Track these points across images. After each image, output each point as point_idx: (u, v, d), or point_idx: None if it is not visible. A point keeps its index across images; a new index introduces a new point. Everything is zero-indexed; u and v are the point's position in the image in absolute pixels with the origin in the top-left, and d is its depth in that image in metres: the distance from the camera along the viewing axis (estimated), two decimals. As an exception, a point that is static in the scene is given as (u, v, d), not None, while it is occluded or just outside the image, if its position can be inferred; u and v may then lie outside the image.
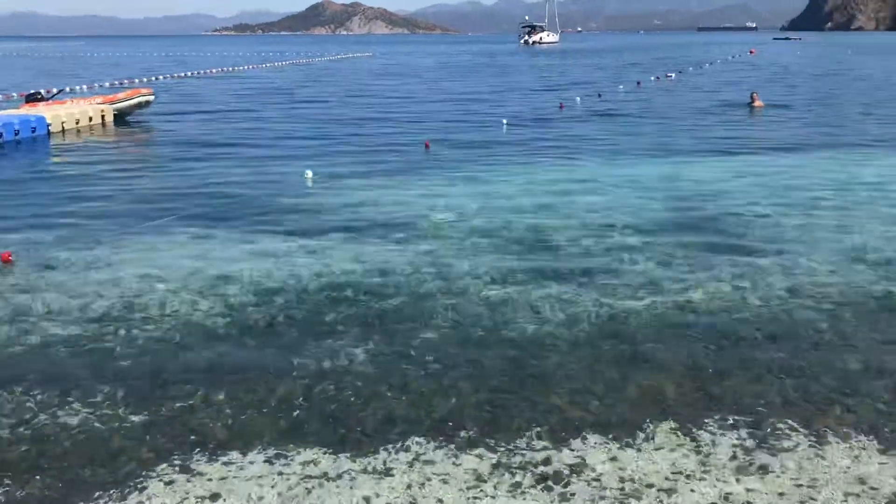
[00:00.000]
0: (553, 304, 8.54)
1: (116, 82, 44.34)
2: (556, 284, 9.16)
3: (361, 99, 36.32)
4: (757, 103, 29.40)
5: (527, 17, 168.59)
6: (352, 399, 6.37)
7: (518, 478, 5.22)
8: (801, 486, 5.12)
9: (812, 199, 13.60)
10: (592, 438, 5.75)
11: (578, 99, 33.90)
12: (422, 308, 8.43)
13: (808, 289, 8.92)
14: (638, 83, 43.71)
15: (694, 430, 5.85)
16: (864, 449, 5.56)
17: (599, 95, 36.10)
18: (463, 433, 5.84)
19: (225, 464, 5.43)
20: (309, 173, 16.21)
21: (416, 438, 5.74)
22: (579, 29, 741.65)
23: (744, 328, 7.83)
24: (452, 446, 5.64)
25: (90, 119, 25.45)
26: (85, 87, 39.57)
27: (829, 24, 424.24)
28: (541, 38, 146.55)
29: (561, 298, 8.70)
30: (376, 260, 10.24)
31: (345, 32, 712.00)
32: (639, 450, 5.61)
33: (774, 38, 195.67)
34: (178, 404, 6.30)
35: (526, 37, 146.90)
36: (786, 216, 12.39)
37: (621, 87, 41.28)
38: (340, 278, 9.50)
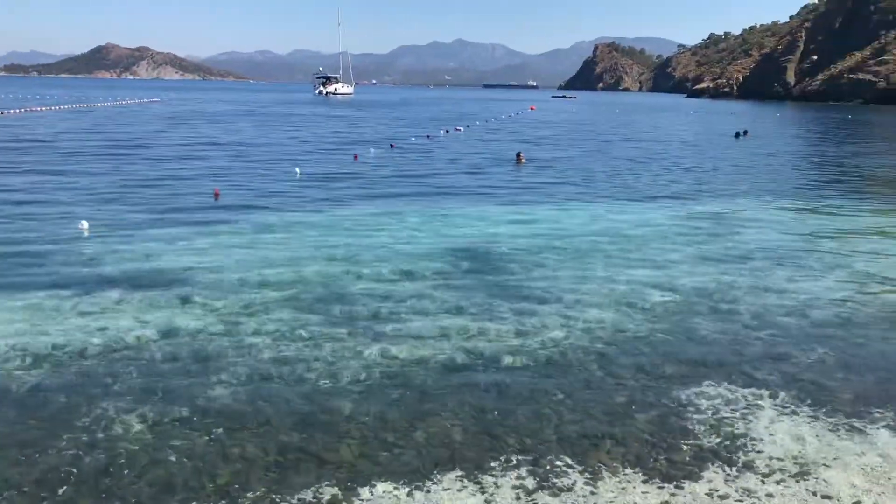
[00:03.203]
0: (345, 356, 8.54)
1: None
2: (348, 336, 9.18)
3: (149, 148, 34.59)
4: (521, 159, 31.04)
5: (321, 69, 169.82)
6: (126, 470, 5.97)
7: (306, 537, 5.12)
8: (575, 519, 5.43)
9: (582, 246, 14.65)
10: (381, 488, 5.79)
11: (372, 150, 34.49)
12: (207, 368, 8.11)
13: (580, 331, 9.57)
14: (428, 136, 45.25)
15: (479, 473, 6.05)
16: (629, 481, 6.02)
17: (392, 146, 36.96)
18: (249, 495, 5.67)
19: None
20: (84, 224, 15.19)
21: (198, 505, 5.49)
22: (374, 81, 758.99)
23: (524, 370, 8.24)
24: (237, 510, 5.45)
25: None
26: None
27: (601, 85, 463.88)
28: (336, 89, 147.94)
29: (352, 350, 8.72)
30: (159, 317, 9.73)
31: (131, 77, 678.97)
32: (427, 493, 5.71)
33: (553, 96, 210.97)
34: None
35: (321, 87, 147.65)
36: (559, 263, 13.25)
37: (413, 138, 42.53)
38: (118, 338, 8.94)
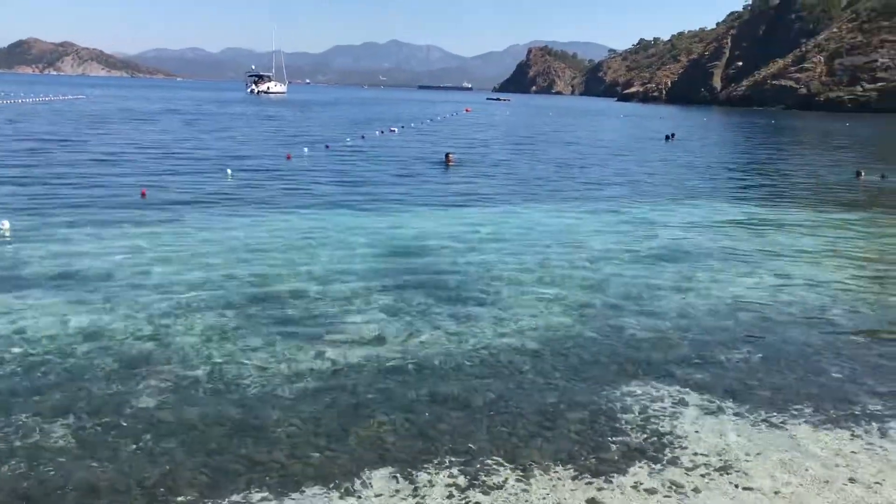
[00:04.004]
0: (277, 359, 8.45)
1: None
2: (279, 339, 9.08)
3: (74, 146, 33.50)
4: (450, 160, 31.13)
5: (254, 67, 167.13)
6: (48, 477, 5.80)
7: (235, 542, 5.06)
8: (506, 517, 5.50)
9: (513, 248, 14.81)
10: (311, 490, 5.77)
11: (306, 149, 34.17)
12: (133, 372, 7.92)
13: (513, 332, 9.68)
14: (363, 136, 45.08)
15: (411, 474, 6.07)
16: (559, 478, 6.13)
17: (327, 146, 36.69)
18: (178, 499, 5.57)
19: None
20: (6, 224, 14.65)
21: (124, 512, 5.37)
22: (307, 81, 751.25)
23: (457, 372, 8.29)
24: (165, 516, 5.34)
25: None
26: None
27: (534, 88, 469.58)
28: (268, 88, 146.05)
29: (284, 353, 8.64)
30: (82, 320, 9.46)
31: (55, 73, 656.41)
32: (358, 497, 5.71)
33: (488, 99, 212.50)
34: None
35: (253, 86, 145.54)
36: (491, 264, 13.36)
37: (347, 139, 42.31)
38: (39, 342, 8.66)
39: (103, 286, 11.02)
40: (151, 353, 8.50)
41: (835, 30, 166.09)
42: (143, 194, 19.48)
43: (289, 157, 30.93)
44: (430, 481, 5.96)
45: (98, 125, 47.25)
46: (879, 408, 7.76)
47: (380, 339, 9.22)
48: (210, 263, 12.62)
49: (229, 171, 25.21)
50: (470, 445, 6.60)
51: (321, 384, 7.82)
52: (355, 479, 5.97)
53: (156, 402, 7.22)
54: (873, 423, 7.37)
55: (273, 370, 8.14)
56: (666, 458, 6.52)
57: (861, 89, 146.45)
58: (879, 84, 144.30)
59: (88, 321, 9.45)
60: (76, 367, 8.01)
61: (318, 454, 6.34)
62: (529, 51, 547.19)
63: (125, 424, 6.74)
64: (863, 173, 30.82)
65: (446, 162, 31.05)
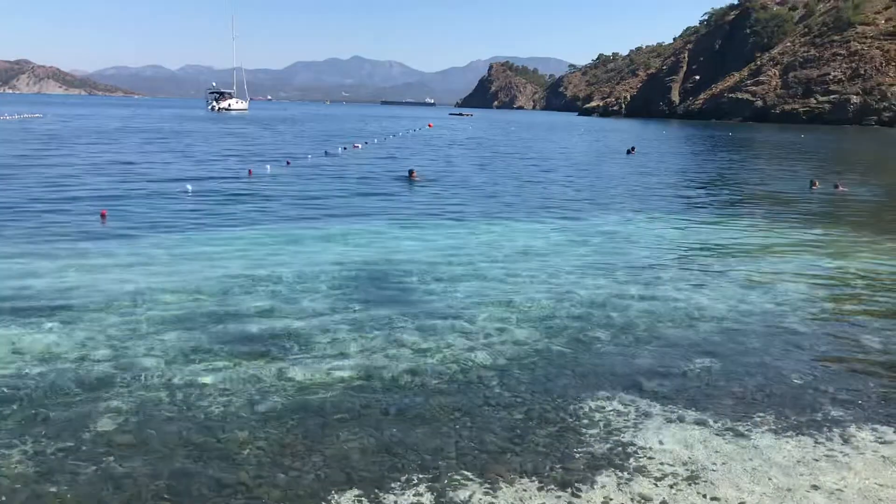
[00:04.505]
0: (239, 379, 8.34)
1: None
2: (243, 359, 8.97)
3: (31, 166, 32.86)
4: (414, 176, 31.20)
5: (214, 84, 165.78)
6: (4, 502, 5.65)
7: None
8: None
9: (478, 262, 14.85)
10: (279, 514, 5.68)
11: (268, 167, 33.93)
12: (93, 395, 7.76)
13: (480, 347, 9.69)
14: (326, 152, 44.94)
15: (378, 493, 6.03)
16: (525, 490, 6.13)
17: (288, 163, 36.49)
18: (140, 526, 5.45)
19: None
20: (-41, 248, 14.32)
21: (85, 540, 5.24)
22: (269, 97, 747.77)
23: (424, 388, 8.27)
24: (127, 543, 5.22)
25: None
26: None
27: (496, 103, 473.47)
28: (229, 105, 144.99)
29: (247, 373, 8.53)
30: (39, 344, 9.25)
31: (10, 91, 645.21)
32: (326, 519, 5.64)
33: (450, 114, 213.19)
34: None
35: (214, 103, 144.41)
36: (457, 279, 13.37)
37: (310, 156, 42.12)
38: (-4, 367, 8.44)
39: (60, 308, 10.80)
40: (111, 375, 8.34)
41: (788, 44, 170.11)
42: (102, 215, 19.17)
43: (250, 173, 30.72)
44: (395, 501, 5.92)
45: (55, 145, 46.46)
46: (841, 414, 7.89)
47: (345, 356, 9.16)
48: (171, 283, 12.44)
49: (189, 187, 24.95)
50: (437, 462, 6.57)
51: (286, 403, 7.74)
52: (321, 501, 5.90)
53: (116, 425, 7.08)
54: (835, 430, 7.49)
55: (237, 390, 8.03)
56: (632, 468, 6.56)
57: (815, 101, 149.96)
58: (832, 97, 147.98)
59: (45, 345, 9.25)
60: (33, 392, 7.82)
61: (283, 475, 6.26)
62: (491, 66, 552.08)
63: (85, 448, 6.60)
64: (817, 183, 31.50)
65: (410, 177, 31.08)
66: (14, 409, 7.38)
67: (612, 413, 7.74)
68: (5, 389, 7.85)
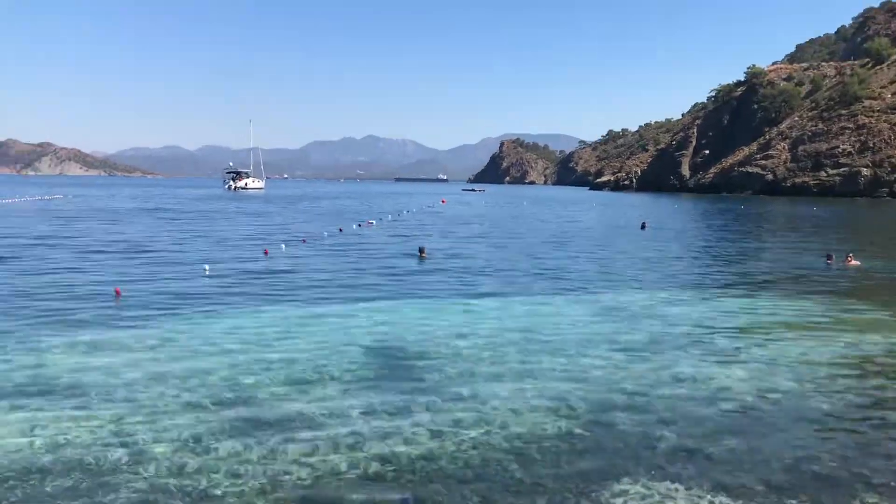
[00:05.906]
0: (251, 466, 8.17)
1: None
2: (255, 445, 8.79)
3: (48, 245, 33.23)
4: (424, 255, 31.22)
5: (231, 164, 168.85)
6: None
7: None
8: None
9: (495, 341, 14.67)
10: None
11: (283, 245, 34.14)
12: (102, 483, 7.60)
13: (497, 431, 9.46)
14: (340, 230, 45.28)
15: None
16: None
17: (304, 241, 36.72)
18: None
19: None
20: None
21: None
22: (286, 176, 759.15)
23: (440, 474, 8.05)
24: None
25: None
26: None
27: (508, 178, 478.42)
28: (246, 184, 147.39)
29: (260, 460, 8.35)
30: (49, 430, 9.13)
31: (33, 173, 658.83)
32: None
33: (463, 189, 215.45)
34: None
35: (231, 182, 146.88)
36: (472, 360, 13.19)
37: (325, 233, 42.42)
38: (6, 455, 8.30)
39: (71, 393, 10.71)
40: (121, 462, 8.19)
41: (796, 118, 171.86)
42: (117, 293, 19.23)
43: (266, 253, 30.89)
44: None
45: (74, 224, 47.08)
46: (875, 500, 7.60)
47: (359, 441, 8.96)
48: (184, 366, 12.34)
49: (206, 267, 25.06)
50: (456, 554, 6.33)
51: (300, 493, 7.54)
52: None
53: (126, 517, 6.90)
54: (869, 517, 7.20)
55: (247, 477, 7.85)
56: (660, 561, 6.29)
57: (826, 174, 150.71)
58: (842, 169, 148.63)
59: (55, 430, 9.13)
60: (41, 478, 7.68)
61: (297, 569, 6.04)
62: (502, 143, 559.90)
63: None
64: (833, 256, 31.27)
65: (420, 256, 31.15)
66: (21, 496, 7.22)
67: (635, 498, 7.49)
68: (14, 474, 7.71)
